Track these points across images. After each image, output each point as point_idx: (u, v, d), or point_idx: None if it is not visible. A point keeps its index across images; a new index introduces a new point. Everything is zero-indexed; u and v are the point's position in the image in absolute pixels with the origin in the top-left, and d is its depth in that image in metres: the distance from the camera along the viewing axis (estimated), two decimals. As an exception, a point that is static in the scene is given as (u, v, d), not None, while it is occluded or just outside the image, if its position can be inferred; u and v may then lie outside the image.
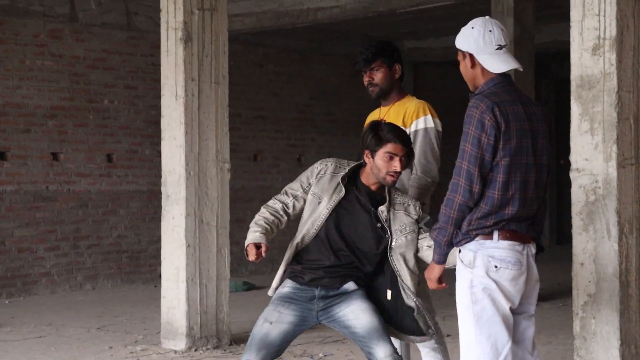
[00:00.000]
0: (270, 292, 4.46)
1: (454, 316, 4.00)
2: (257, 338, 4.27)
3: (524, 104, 3.84)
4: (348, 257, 4.33)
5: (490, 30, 3.82)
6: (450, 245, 3.82)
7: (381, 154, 4.27)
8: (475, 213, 3.75)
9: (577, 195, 4.94)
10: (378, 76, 4.72)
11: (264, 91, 12.47)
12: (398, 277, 4.31)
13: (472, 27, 3.85)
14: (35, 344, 7.33)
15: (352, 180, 4.40)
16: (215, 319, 7.11)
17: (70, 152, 10.38)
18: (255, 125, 12.33)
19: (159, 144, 7.65)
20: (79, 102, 10.45)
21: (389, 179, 4.29)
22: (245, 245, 4.31)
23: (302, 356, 6.74)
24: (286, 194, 4.46)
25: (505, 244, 3.76)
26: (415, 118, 4.64)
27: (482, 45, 3.81)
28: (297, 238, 4.38)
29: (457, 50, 3.93)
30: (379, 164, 4.28)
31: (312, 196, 4.38)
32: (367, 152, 4.32)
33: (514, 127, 3.73)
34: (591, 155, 4.88)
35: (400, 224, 4.32)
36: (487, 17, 3.93)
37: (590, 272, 4.89)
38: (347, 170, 4.39)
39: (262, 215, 4.42)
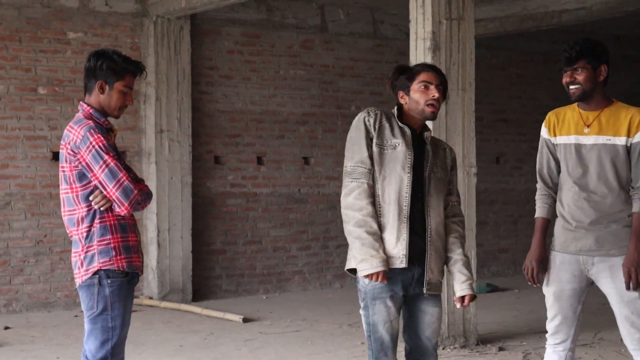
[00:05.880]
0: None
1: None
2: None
3: None
4: None
5: None
6: None
7: (415, 88, 4.18)
8: None
9: None
10: (581, 77, 4.42)
11: (506, 94, 12.50)
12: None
13: None
14: (293, 337, 7.84)
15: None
16: (462, 318, 7.29)
17: (320, 157, 10.90)
18: (497, 128, 12.38)
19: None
20: (328, 109, 10.95)
21: (429, 109, 4.18)
22: (378, 270, 4.09)
23: None
24: (363, 169, 4.13)
25: None
26: None
27: None
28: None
29: None
30: (416, 97, 4.17)
31: (380, 147, 4.14)
32: (401, 93, 4.24)
33: None
34: None
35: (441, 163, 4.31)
36: None
37: None
38: (395, 114, 4.22)
39: (373, 219, 4.11)
